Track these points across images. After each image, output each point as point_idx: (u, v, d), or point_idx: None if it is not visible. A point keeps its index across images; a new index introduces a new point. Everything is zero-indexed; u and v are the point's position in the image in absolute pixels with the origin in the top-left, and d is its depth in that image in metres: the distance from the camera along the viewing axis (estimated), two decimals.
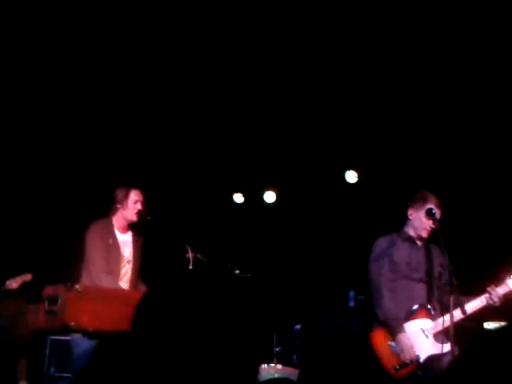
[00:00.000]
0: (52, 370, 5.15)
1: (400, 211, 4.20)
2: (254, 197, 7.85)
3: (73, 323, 3.15)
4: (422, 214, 3.96)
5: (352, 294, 6.17)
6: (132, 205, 4.09)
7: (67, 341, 4.73)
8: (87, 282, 3.84)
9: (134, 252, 4.14)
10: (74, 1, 4.89)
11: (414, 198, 4.07)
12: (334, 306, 6.18)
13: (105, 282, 3.86)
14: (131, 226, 4.17)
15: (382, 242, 4.06)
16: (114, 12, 5.04)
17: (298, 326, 5.82)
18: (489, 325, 4.76)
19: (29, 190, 6.88)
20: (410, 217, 4.08)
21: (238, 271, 4.74)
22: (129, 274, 4.07)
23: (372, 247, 4.08)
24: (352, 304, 6.13)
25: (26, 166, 6.77)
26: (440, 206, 3.97)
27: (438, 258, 3.95)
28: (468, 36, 5.04)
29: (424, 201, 3.98)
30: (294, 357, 5.64)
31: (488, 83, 5.54)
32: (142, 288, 4.10)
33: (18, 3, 4.83)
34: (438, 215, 3.90)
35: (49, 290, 3.23)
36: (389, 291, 3.88)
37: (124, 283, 4.04)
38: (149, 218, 4.09)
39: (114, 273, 3.98)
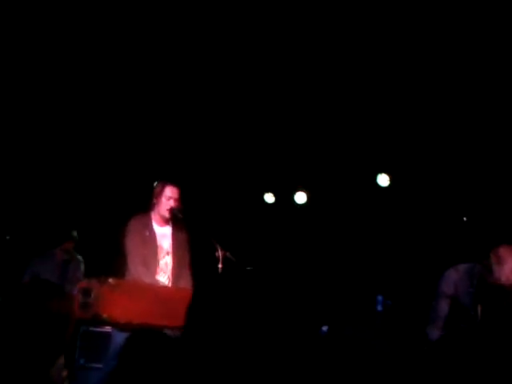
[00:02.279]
0: (82, 360, 5.27)
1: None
2: (284, 197, 7.87)
3: (105, 315, 3.25)
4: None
5: (380, 298, 6.15)
6: (165, 201, 4.15)
7: (99, 332, 4.86)
8: (129, 275, 3.91)
9: (173, 244, 4.16)
10: (74, 1, 4.90)
11: None
12: (362, 310, 6.16)
13: (142, 274, 3.92)
14: (171, 220, 4.21)
15: None
16: (115, 12, 5.04)
17: (325, 328, 5.83)
18: None
19: (75, 185, 7.08)
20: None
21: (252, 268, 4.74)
22: (169, 266, 4.09)
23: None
24: (380, 308, 6.11)
25: (72, 160, 6.96)
26: None
27: None
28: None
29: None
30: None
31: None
32: (186, 282, 4.09)
33: (18, 3, 4.87)
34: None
35: (83, 284, 3.33)
36: None
37: (164, 275, 4.06)
38: (180, 216, 4.14)
39: (151, 264, 4.02)
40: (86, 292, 3.27)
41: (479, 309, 3.72)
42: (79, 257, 5.95)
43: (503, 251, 3.78)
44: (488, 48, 5.08)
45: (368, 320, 5.96)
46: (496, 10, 4.57)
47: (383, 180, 7.15)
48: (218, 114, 6.70)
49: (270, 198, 7.92)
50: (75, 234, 5.89)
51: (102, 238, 6.19)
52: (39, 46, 5.42)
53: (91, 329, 4.94)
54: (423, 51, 5.36)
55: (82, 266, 5.91)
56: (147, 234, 4.10)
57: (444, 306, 3.89)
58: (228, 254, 4.13)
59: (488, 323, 3.66)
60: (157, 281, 4.02)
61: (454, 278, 3.90)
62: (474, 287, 3.78)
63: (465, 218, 4.77)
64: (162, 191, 4.17)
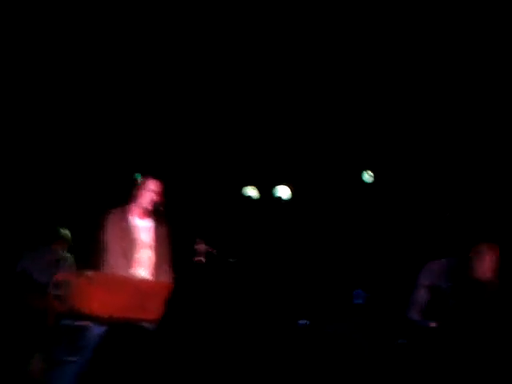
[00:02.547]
0: (59, 354, 5.21)
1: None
2: (267, 192, 7.85)
3: (82, 309, 3.20)
4: None
5: (360, 292, 6.18)
6: (148, 194, 4.13)
7: (77, 326, 4.79)
8: (107, 268, 3.87)
9: (154, 237, 4.12)
10: (74, 1, 4.87)
11: None
12: (342, 304, 6.19)
13: (121, 266, 3.88)
14: (152, 214, 4.18)
15: None
16: (117, 12, 5.02)
17: (303, 322, 5.83)
18: None
19: (52, 179, 6.99)
20: None
21: (235, 260, 4.71)
22: (147, 259, 4.06)
23: None
24: (360, 301, 6.14)
25: (52, 154, 6.88)
26: None
27: None
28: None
29: None
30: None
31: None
32: (166, 275, 4.04)
33: (18, 3, 4.82)
34: None
35: (58, 276, 3.27)
36: None
37: (142, 268, 4.02)
38: (162, 209, 4.11)
39: (130, 257, 3.99)
40: (62, 285, 3.21)
41: (456, 301, 3.80)
42: (69, 255, 5.84)
43: (483, 248, 3.93)
44: (477, 47, 5.11)
45: (348, 314, 5.98)
46: (496, 10, 4.58)
47: (368, 177, 7.17)
48: (202, 108, 6.66)
49: (253, 192, 7.89)
50: (67, 232, 5.77)
51: (79, 231, 6.12)
52: (38, 47, 5.35)
53: (68, 322, 4.88)
54: (410, 49, 5.38)
55: (73, 266, 5.80)
56: (126, 226, 4.06)
57: (423, 294, 4.04)
58: (209, 247, 4.11)
59: (464, 316, 3.75)
60: (136, 274, 3.98)
61: (434, 269, 4.05)
62: (452, 281, 3.89)
63: (448, 214, 4.81)
64: (144, 184, 4.14)
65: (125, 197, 4.21)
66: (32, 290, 5.00)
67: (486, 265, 3.88)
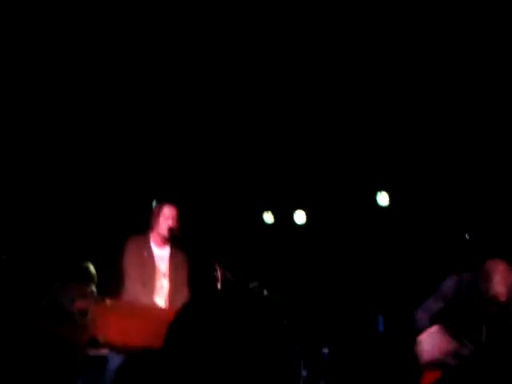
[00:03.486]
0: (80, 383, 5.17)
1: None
2: (284, 217, 7.82)
3: (101, 337, 3.17)
4: None
5: (381, 319, 6.08)
6: (164, 220, 4.12)
7: (99, 357, 4.76)
8: (125, 295, 3.87)
9: (170, 266, 4.13)
10: (74, 1, 4.86)
11: None
12: (363, 331, 6.08)
13: (140, 295, 3.88)
14: (170, 241, 4.18)
15: None
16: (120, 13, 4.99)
17: (326, 350, 5.74)
18: None
19: (74, 207, 7.04)
20: None
21: (265, 291, 4.70)
22: (165, 289, 4.06)
23: None
24: (381, 329, 6.03)
25: (74, 181, 6.93)
26: None
27: None
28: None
29: None
30: (322, 382, 5.55)
31: None
32: (183, 303, 4.02)
33: (18, 3, 4.82)
34: None
35: (80, 304, 3.26)
36: None
37: (160, 297, 4.02)
38: (178, 235, 4.11)
39: (147, 285, 3.98)
40: (83, 313, 3.20)
41: (484, 329, 3.67)
42: (95, 289, 5.77)
43: (493, 263, 3.65)
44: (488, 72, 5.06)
45: (369, 340, 5.87)
46: (496, 12, 4.52)
47: (383, 199, 7.11)
48: (218, 133, 6.69)
49: (269, 217, 7.87)
50: (92, 269, 5.61)
51: (99, 258, 6.13)
52: (37, 49, 5.34)
53: (92, 353, 4.85)
54: (425, 69, 5.35)
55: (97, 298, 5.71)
56: (145, 254, 4.06)
57: (439, 303, 3.82)
58: (227, 273, 4.08)
59: (494, 346, 3.62)
60: (154, 302, 3.96)
61: (457, 282, 3.81)
62: (473, 295, 3.70)
63: (467, 236, 4.72)
64: (160, 211, 4.15)
65: (144, 224, 4.23)
66: (62, 320, 4.99)
67: (497, 283, 3.64)
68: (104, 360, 3.73)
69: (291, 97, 6.04)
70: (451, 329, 3.77)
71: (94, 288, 5.67)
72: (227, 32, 5.11)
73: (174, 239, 4.15)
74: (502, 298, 3.53)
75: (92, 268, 5.67)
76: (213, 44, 5.29)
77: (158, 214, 4.14)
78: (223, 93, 6.02)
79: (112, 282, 4.03)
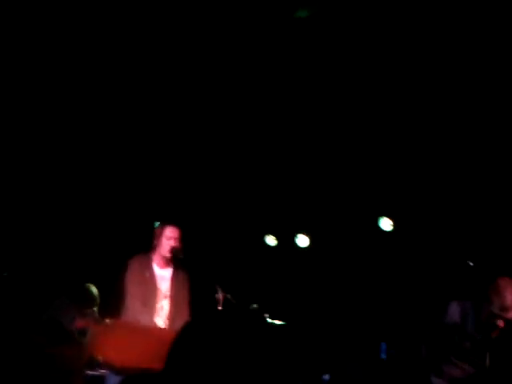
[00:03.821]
0: None
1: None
2: (286, 240, 7.80)
3: (100, 357, 3.15)
4: None
5: (384, 346, 6.01)
6: (166, 241, 4.13)
7: (98, 376, 4.72)
8: (125, 313, 3.86)
9: (172, 287, 4.12)
10: (74, 1, 4.86)
11: None
12: (365, 358, 6.02)
13: (139, 313, 3.87)
14: (172, 262, 4.18)
15: None
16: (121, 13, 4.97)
17: (327, 376, 5.67)
18: None
19: (77, 225, 7.04)
20: None
21: (267, 315, 4.67)
22: (166, 309, 4.05)
23: None
24: (383, 356, 5.96)
25: (78, 202, 6.94)
26: None
27: None
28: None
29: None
30: None
31: None
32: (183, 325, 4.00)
33: (18, 3, 4.82)
34: None
35: (79, 323, 3.25)
36: None
37: (159, 318, 4.01)
38: (181, 256, 4.11)
39: (148, 305, 3.97)
40: (82, 332, 3.19)
41: (487, 355, 3.66)
42: (96, 310, 5.72)
43: (501, 283, 3.78)
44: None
45: (371, 367, 5.80)
46: (496, 13, 4.50)
47: (386, 224, 7.09)
48: (222, 155, 6.71)
49: (271, 240, 7.86)
50: (95, 291, 5.53)
51: (102, 278, 6.11)
52: (37, 49, 5.30)
53: (91, 372, 4.81)
54: (428, 85, 5.32)
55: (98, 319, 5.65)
56: (147, 275, 4.06)
57: (443, 333, 3.83)
58: (229, 296, 4.07)
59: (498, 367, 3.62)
60: (154, 322, 3.95)
61: (458, 310, 3.89)
62: (477, 321, 3.74)
63: (471, 263, 4.71)
64: (162, 232, 4.16)
65: (147, 245, 4.23)
66: (61, 339, 4.96)
67: (506, 299, 3.73)
68: (102, 380, 3.70)
69: (295, 119, 6.05)
70: (455, 356, 3.75)
71: (95, 309, 5.64)
72: (226, 41, 5.09)
73: (176, 260, 4.15)
74: (510, 314, 3.66)
75: (94, 290, 5.62)
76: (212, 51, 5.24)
77: (161, 235, 4.15)
78: (226, 111, 6.02)
79: (114, 300, 4.02)
